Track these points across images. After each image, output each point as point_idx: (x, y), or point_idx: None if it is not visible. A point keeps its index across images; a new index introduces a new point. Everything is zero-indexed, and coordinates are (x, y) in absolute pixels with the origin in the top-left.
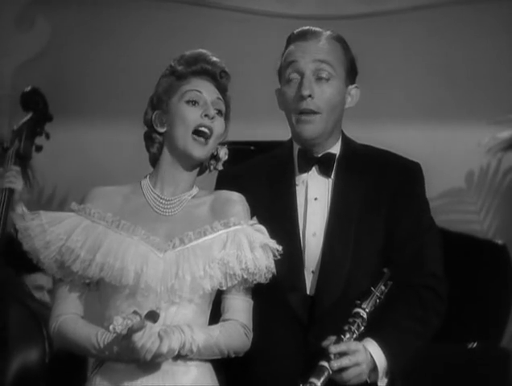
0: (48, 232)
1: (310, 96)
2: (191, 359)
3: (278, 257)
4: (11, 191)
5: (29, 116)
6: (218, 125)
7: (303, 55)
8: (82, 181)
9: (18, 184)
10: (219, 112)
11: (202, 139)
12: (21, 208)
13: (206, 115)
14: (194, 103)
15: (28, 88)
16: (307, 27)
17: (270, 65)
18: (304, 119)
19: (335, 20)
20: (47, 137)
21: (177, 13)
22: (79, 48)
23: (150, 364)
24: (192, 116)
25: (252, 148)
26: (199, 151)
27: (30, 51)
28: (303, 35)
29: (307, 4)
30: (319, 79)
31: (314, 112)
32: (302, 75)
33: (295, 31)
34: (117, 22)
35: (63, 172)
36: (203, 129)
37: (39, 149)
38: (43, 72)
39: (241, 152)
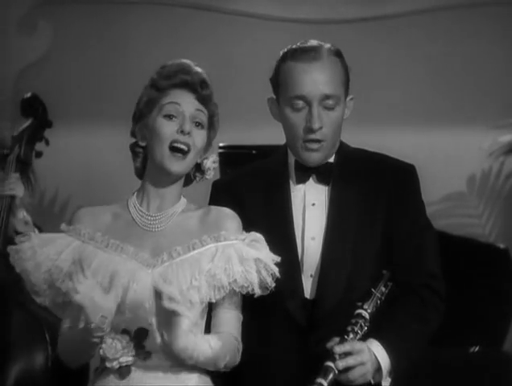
0: (39, 253)
1: (320, 128)
2: (192, 369)
3: (276, 269)
4: (12, 198)
5: (29, 122)
6: (198, 138)
7: (308, 83)
8: (84, 184)
9: (18, 190)
10: (199, 124)
11: (179, 154)
12: (22, 213)
13: (182, 131)
14: (171, 117)
15: (28, 95)
16: (307, 44)
17: (271, 69)
18: (311, 147)
19: (335, 24)
20: (47, 143)
21: (179, 17)
22: (81, 53)
23: (151, 368)
24: (167, 131)
25: (254, 152)
26: (177, 166)
27: (32, 56)
28: (305, 54)
29: (308, 8)
30: (325, 107)
31: (320, 141)
32: (310, 104)
33: (293, 47)
34: (120, 27)
35: (64, 175)
36: (178, 145)
37: (39, 155)
38: (46, 77)
39: (242, 156)
